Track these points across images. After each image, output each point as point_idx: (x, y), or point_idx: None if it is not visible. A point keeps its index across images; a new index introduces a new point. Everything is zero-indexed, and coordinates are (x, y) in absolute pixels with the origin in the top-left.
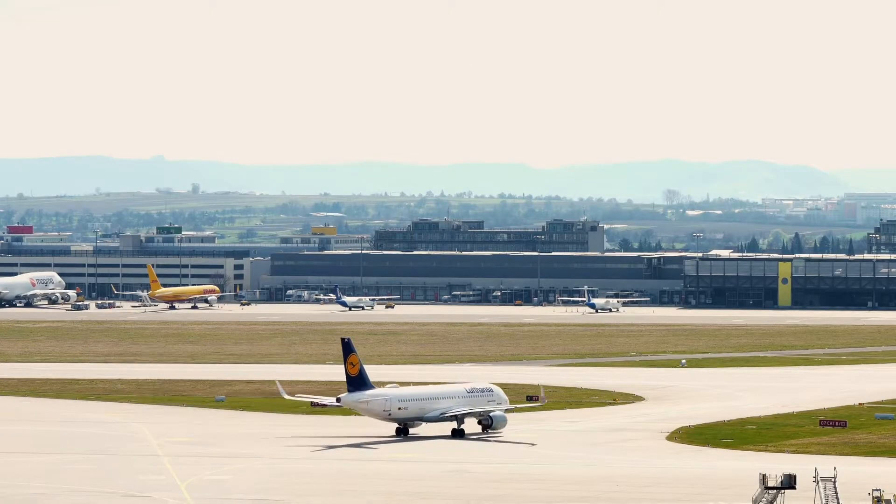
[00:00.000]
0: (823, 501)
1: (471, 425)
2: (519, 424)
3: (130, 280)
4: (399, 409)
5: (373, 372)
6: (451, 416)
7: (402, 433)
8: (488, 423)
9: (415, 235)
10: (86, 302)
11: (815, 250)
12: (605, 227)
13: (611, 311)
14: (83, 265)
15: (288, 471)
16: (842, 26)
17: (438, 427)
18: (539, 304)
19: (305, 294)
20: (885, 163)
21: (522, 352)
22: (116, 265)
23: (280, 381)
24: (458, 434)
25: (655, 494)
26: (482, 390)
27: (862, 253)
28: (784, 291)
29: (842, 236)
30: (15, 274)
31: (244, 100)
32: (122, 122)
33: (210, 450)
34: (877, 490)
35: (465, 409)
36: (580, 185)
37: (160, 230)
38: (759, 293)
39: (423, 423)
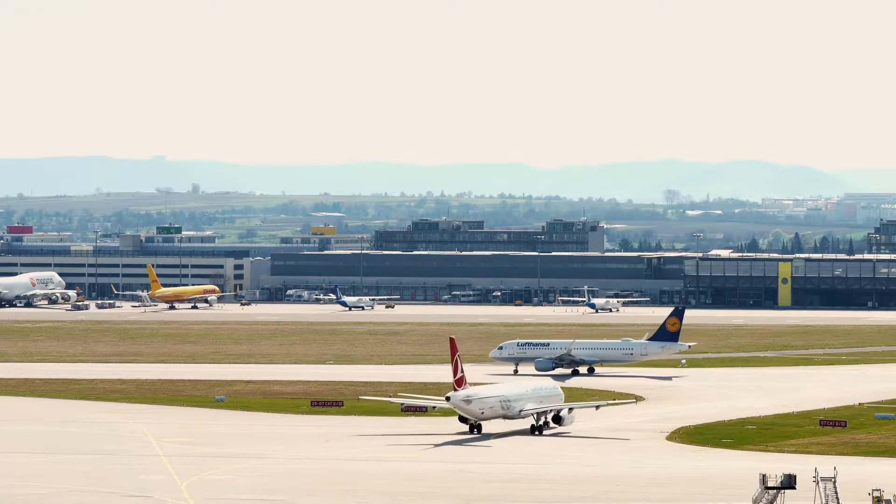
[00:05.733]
0: (823, 501)
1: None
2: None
3: (130, 280)
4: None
5: (373, 372)
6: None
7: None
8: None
9: (415, 235)
10: (86, 302)
11: (815, 250)
12: (605, 227)
13: (611, 311)
14: (83, 265)
15: (288, 471)
16: (842, 26)
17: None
18: (539, 304)
19: (305, 294)
20: (885, 163)
21: None
22: (116, 265)
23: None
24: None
25: (655, 494)
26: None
27: (862, 253)
28: (784, 291)
29: (842, 236)
30: (15, 274)
31: (244, 100)
32: (122, 122)
33: (210, 450)
34: (877, 490)
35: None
36: (580, 185)
37: (160, 230)
38: (759, 293)
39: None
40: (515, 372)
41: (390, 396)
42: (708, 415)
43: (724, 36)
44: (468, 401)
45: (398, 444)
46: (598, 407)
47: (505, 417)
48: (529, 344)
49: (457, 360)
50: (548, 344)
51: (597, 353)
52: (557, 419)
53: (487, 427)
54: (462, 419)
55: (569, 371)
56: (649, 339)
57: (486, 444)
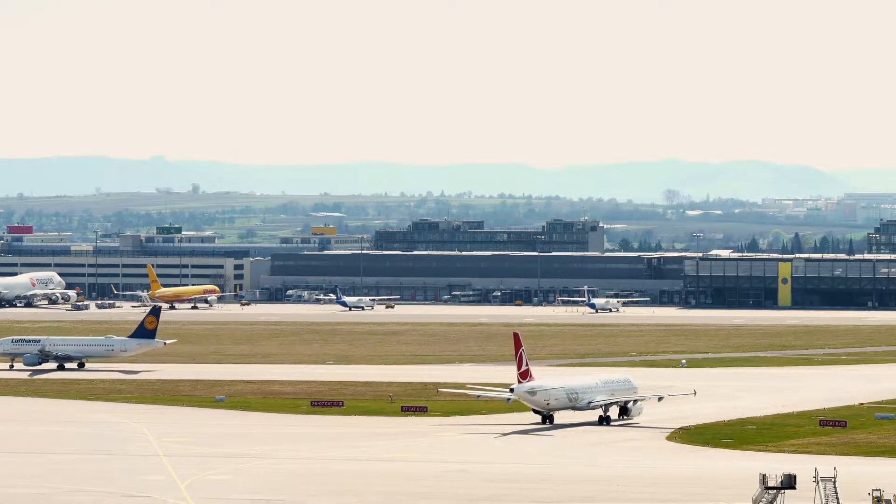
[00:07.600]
0: (823, 501)
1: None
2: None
3: (130, 280)
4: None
5: (373, 371)
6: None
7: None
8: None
9: (415, 235)
10: (86, 302)
11: (815, 250)
12: (605, 227)
13: (611, 311)
14: (83, 265)
15: (288, 471)
16: (842, 26)
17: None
18: (539, 304)
19: (305, 294)
20: (885, 163)
21: None
22: (116, 265)
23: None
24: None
25: (655, 494)
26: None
27: (862, 253)
28: (784, 291)
29: (842, 236)
30: (15, 274)
31: (244, 100)
32: (122, 122)
33: (210, 450)
34: (877, 490)
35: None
36: (580, 185)
37: (160, 230)
38: (759, 293)
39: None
40: (11, 367)
41: (465, 389)
42: (708, 415)
43: (724, 36)
44: (532, 392)
45: (398, 443)
46: (661, 398)
47: (573, 409)
48: (23, 340)
49: (521, 354)
50: (38, 340)
51: (80, 349)
52: (625, 411)
53: (558, 418)
54: (535, 411)
55: (55, 366)
56: (130, 337)
57: (488, 444)
